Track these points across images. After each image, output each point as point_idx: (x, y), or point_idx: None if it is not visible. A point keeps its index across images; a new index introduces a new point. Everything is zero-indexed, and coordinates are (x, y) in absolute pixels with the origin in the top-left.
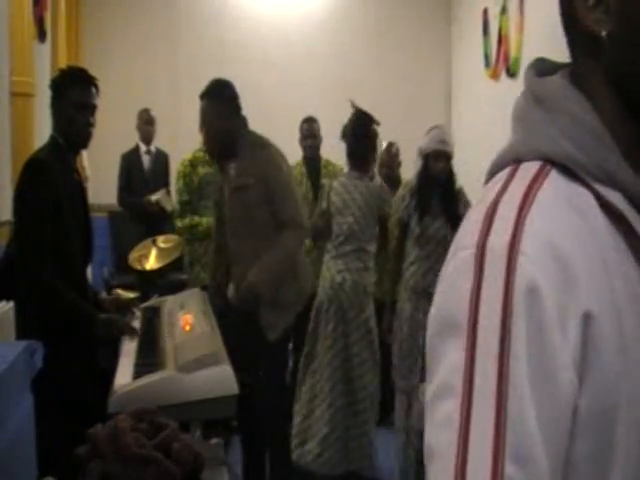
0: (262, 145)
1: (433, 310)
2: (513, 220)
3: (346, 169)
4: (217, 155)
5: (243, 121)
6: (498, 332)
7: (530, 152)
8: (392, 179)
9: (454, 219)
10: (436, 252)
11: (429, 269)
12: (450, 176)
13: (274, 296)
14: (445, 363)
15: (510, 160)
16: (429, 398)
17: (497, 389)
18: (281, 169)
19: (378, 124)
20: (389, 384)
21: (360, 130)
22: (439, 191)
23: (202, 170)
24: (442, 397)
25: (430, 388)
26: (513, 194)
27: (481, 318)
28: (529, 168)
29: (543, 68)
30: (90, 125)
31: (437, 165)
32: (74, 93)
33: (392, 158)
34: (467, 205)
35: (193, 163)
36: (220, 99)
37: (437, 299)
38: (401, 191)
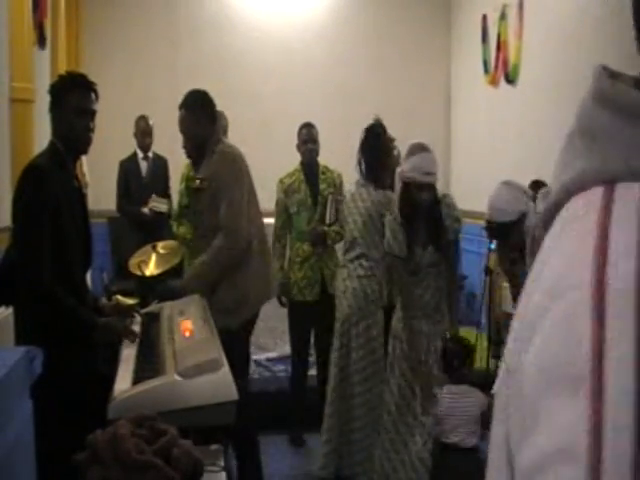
0: (225, 153)
1: (535, 360)
2: (634, 249)
3: (356, 178)
4: (194, 161)
5: (217, 129)
6: (632, 383)
7: (629, 171)
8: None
9: (442, 247)
10: (430, 273)
11: (426, 289)
12: (434, 204)
13: (208, 298)
14: (558, 421)
15: (599, 180)
16: (532, 461)
17: (633, 456)
18: (236, 179)
19: (393, 140)
20: None
21: (371, 141)
22: (424, 218)
23: None
24: (557, 462)
25: (534, 448)
26: (624, 219)
27: (608, 366)
28: (632, 189)
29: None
30: (90, 130)
31: (420, 196)
32: (74, 98)
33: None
34: (451, 213)
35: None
36: (196, 109)
37: (541, 348)
38: (393, 225)
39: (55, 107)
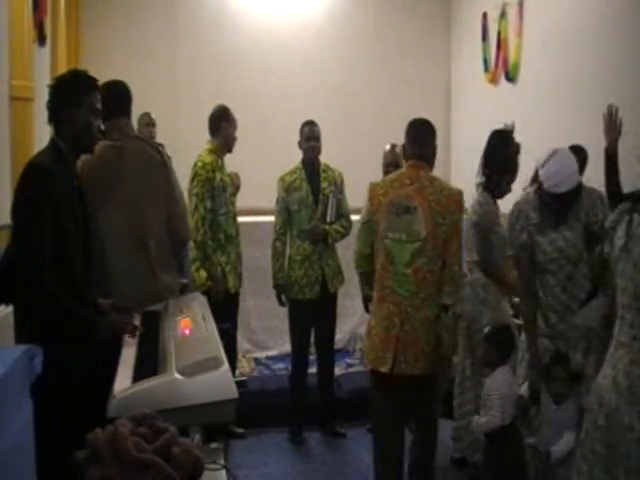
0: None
1: None
2: None
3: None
4: None
5: (110, 124)
6: None
7: None
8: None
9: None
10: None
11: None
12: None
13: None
14: None
15: None
16: None
17: None
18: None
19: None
20: None
21: (497, 150)
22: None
23: (218, 176)
24: None
25: None
26: None
27: None
28: None
29: None
30: (100, 130)
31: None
32: (91, 99)
33: (397, 158)
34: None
35: (214, 168)
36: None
37: None
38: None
39: (70, 106)
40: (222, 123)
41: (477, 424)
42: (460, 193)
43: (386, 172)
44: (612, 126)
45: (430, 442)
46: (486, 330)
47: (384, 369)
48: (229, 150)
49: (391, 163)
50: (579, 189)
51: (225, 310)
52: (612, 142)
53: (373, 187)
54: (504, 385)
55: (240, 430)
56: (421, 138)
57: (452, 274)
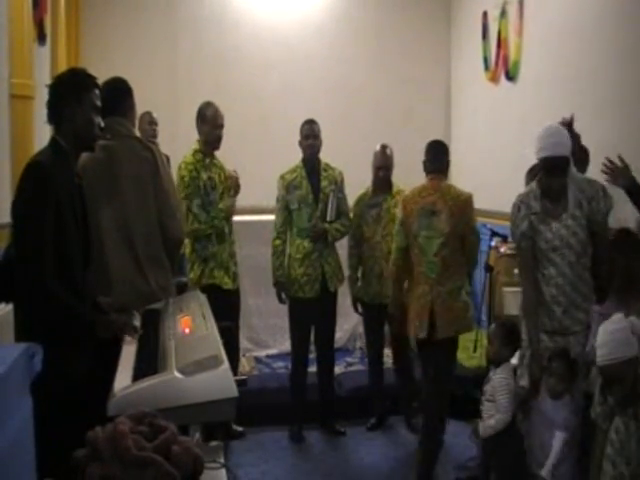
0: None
1: None
2: None
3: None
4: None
5: (108, 122)
6: None
7: None
8: (387, 181)
9: None
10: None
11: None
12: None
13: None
14: None
15: None
16: None
17: None
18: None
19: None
20: None
21: None
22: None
23: (204, 175)
24: None
25: None
26: None
27: None
28: None
29: None
30: (101, 128)
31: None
32: (91, 96)
33: (388, 160)
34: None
35: (197, 167)
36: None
37: None
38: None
39: (71, 104)
40: (197, 121)
41: (486, 426)
42: (471, 196)
43: (376, 175)
44: (617, 173)
45: (440, 405)
46: (492, 326)
47: (422, 335)
48: (213, 148)
49: (382, 166)
50: (567, 162)
51: (227, 309)
52: (626, 183)
53: (405, 198)
54: (509, 382)
55: (240, 429)
56: (438, 156)
57: (470, 247)
